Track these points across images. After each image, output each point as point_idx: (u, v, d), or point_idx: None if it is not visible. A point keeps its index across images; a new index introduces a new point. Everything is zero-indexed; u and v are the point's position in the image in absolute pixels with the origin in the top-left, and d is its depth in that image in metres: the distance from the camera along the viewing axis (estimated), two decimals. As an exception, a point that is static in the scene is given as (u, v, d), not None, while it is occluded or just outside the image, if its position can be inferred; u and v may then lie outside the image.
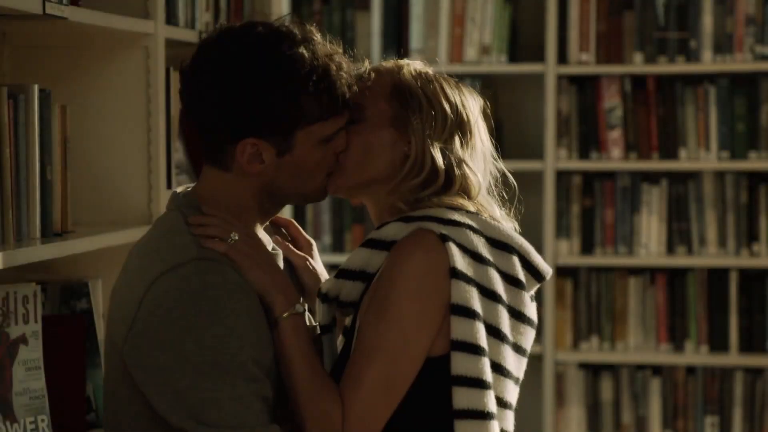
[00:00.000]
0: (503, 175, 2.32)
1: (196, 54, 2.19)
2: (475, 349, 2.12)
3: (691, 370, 5.06)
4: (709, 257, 5.01)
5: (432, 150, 2.21)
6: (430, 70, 2.29)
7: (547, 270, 2.25)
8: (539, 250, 5.01)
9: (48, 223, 2.56)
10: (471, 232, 2.17)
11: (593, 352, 5.07)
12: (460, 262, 2.13)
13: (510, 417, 2.22)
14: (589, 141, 5.05)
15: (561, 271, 5.08)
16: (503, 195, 2.31)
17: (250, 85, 2.12)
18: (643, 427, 5.06)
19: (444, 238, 2.13)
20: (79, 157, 2.85)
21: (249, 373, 2.07)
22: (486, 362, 2.13)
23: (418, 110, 2.22)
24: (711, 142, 5.00)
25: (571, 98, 5.06)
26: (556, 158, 5.02)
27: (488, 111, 2.32)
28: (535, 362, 5.11)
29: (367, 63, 2.30)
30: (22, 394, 2.51)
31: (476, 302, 2.13)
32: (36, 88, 2.50)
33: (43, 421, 2.53)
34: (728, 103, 5.00)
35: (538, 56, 5.05)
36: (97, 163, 2.90)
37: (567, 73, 5.04)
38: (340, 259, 4.87)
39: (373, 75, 2.26)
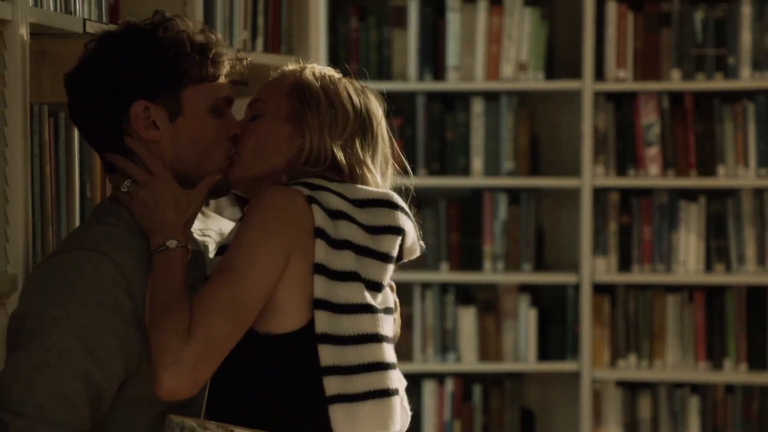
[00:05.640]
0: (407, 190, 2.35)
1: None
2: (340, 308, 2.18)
3: (730, 388, 5.02)
4: (748, 275, 4.98)
5: (332, 145, 2.25)
6: (336, 74, 2.33)
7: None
8: (576, 267, 5.07)
9: (87, 240, 2.56)
10: (335, 195, 2.21)
11: (631, 370, 5.04)
12: (325, 222, 2.18)
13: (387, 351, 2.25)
14: (626, 158, 5.04)
15: (598, 289, 5.06)
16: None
17: (131, 52, 2.22)
18: (682, 445, 5.03)
19: (311, 200, 2.19)
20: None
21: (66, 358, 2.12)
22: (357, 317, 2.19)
23: (316, 107, 2.27)
24: (749, 159, 4.98)
25: (608, 115, 5.05)
26: (593, 175, 5.01)
27: (391, 117, 2.36)
28: (572, 380, 5.09)
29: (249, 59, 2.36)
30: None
31: (344, 262, 2.18)
32: (76, 106, 2.51)
33: None
34: (767, 119, 4.97)
35: (575, 73, 5.04)
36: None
37: (604, 90, 5.03)
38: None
39: (277, 75, 2.33)
